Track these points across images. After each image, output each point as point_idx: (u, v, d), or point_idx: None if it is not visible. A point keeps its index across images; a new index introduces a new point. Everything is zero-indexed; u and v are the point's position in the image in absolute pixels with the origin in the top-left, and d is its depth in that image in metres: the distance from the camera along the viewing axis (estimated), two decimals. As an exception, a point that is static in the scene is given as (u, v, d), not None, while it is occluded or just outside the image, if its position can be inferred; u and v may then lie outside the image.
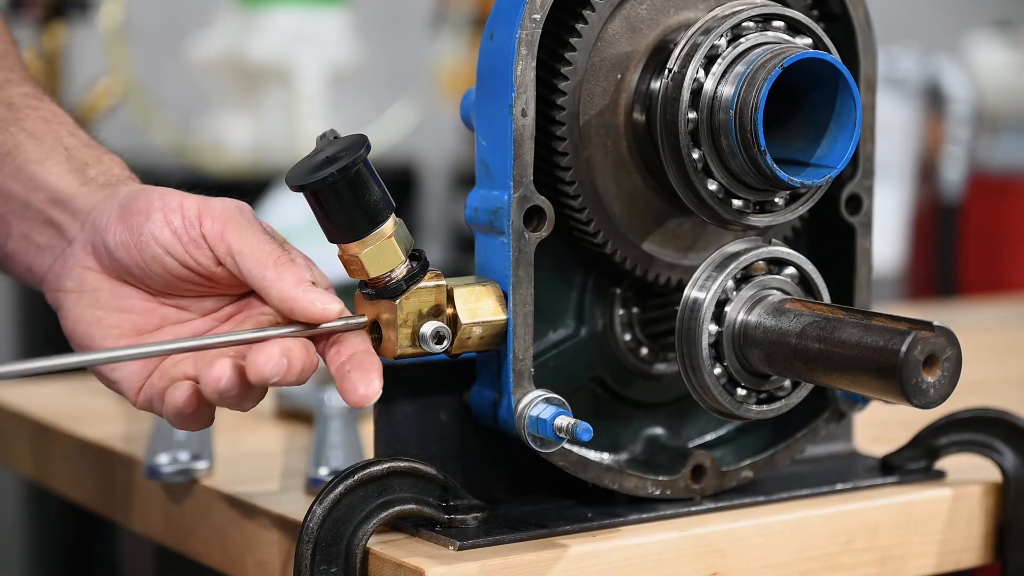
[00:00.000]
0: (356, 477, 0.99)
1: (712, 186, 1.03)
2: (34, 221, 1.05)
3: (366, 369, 0.97)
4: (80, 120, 1.13)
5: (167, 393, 0.99)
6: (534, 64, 1.02)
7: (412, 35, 3.85)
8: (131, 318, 1.02)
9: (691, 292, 1.05)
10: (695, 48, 1.03)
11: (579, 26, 1.04)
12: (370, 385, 0.97)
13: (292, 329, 0.99)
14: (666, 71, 1.04)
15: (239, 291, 1.03)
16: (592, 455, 1.08)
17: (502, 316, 1.03)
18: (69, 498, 1.42)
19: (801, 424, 1.14)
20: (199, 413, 1.00)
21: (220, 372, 0.96)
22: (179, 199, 1.02)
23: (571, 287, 1.10)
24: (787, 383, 1.06)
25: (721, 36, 1.02)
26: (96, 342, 1.01)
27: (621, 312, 1.11)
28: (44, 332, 2.83)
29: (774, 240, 1.09)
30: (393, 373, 1.04)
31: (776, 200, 1.06)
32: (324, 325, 0.99)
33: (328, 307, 0.99)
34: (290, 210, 2.49)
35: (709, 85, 1.02)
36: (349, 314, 1.01)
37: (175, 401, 0.98)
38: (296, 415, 1.43)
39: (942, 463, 1.18)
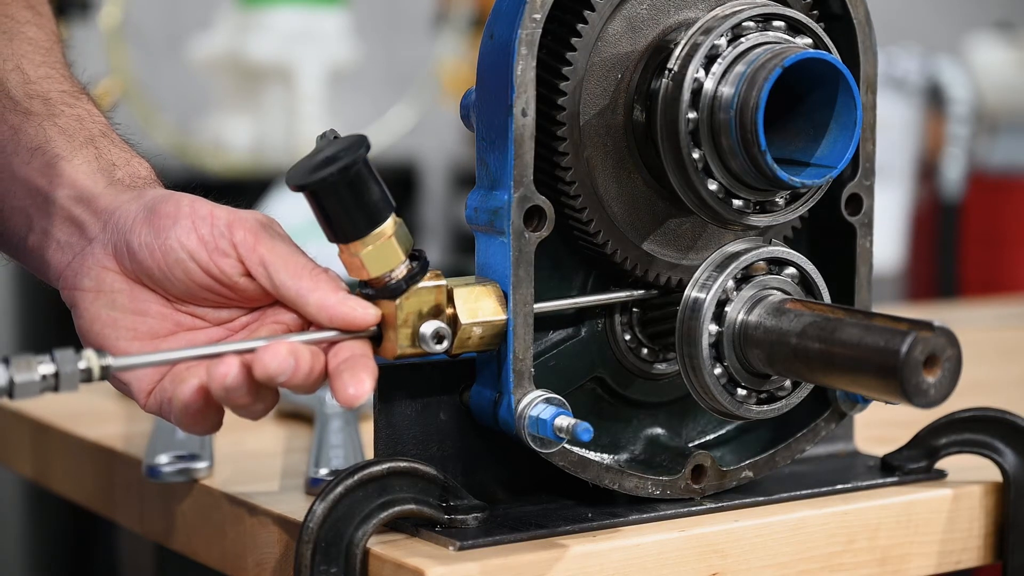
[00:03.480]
0: (356, 477, 0.99)
1: (712, 186, 1.03)
2: (56, 217, 1.05)
3: (358, 370, 0.97)
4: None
5: (175, 389, 0.99)
6: (534, 64, 1.02)
7: (412, 35, 3.85)
8: (146, 321, 1.02)
9: (691, 292, 1.05)
10: (695, 48, 1.03)
11: (579, 26, 1.04)
12: (360, 385, 0.97)
13: (305, 336, 0.99)
14: (666, 71, 1.04)
15: (256, 304, 1.04)
16: (592, 455, 1.08)
17: (502, 316, 1.03)
18: (69, 498, 1.42)
19: (801, 424, 1.14)
20: (206, 413, 1.00)
21: (227, 368, 0.96)
22: (209, 207, 1.02)
23: (571, 287, 1.10)
24: (787, 383, 1.06)
25: (721, 36, 1.03)
26: (110, 343, 1.01)
27: (621, 312, 1.11)
28: (43, 333, 2.83)
29: (774, 240, 1.09)
30: (393, 373, 1.04)
31: (776, 200, 1.06)
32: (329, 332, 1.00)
33: (368, 312, 1.00)
34: (290, 210, 2.49)
35: (709, 85, 1.02)
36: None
37: (182, 395, 0.98)
38: (296, 415, 1.43)
39: (942, 463, 1.18)
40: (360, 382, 0.97)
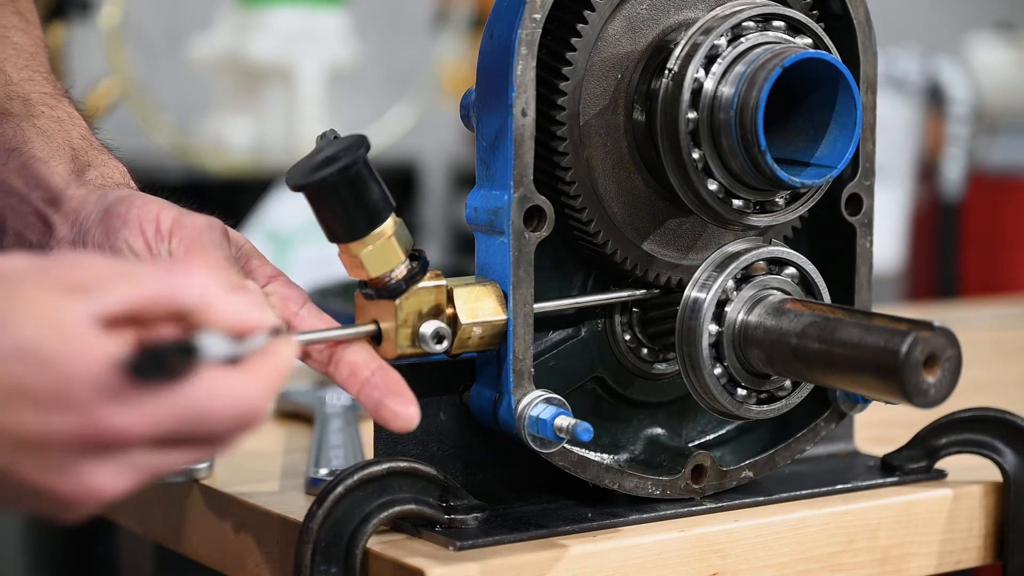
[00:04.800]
0: (356, 477, 0.99)
1: (712, 186, 1.03)
2: (29, 217, 1.05)
3: (398, 391, 0.97)
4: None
5: None
6: (534, 64, 1.02)
7: (412, 35, 3.85)
8: None
9: (691, 292, 1.05)
10: (695, 48, 1.03)
11: (579, 26, 1.04)
12: (408, 405, 0.96)
13: (308, 335, 0.99)
14: (666, 71, 1.04)
15: None
16: (592, 455, 1.08)
17: (502, 316, 1.03)
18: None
19: (801, 424, 1.14)
20: None
21: None
22: (158, 208, 1.01)
23: (571, 287, 1.10)
24: (787, 383, 1.06)
25: (721, 36, 1.03)
26: None
27: (621, 312, 1.11)
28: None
29: (774, 240, 1.09)
30: (393, 373, 1.04)
31: (776, 200, 1.06)
32: (331, 333, 0.99)
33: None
34: (290, 210, 2.49)
35: (709, 85, 1.02)
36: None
37: None
38: (296, 415, 1.43)
39: (942, 463, 1.18)
40: (407, 402, 0.96)
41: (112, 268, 0.78)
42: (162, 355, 0.74)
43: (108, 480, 0.77)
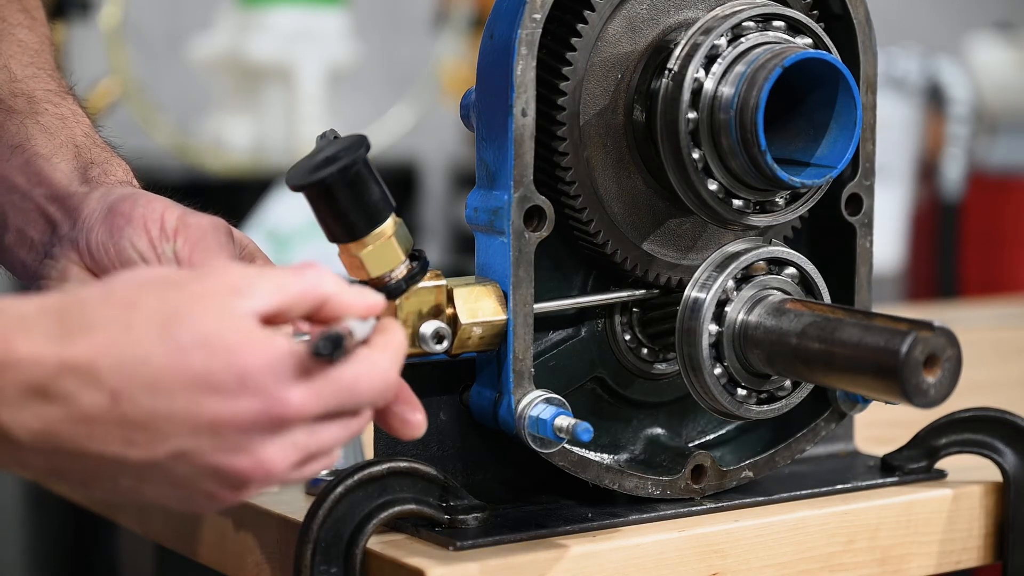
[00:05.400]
0: (356, 477, 0.99)
1: (712, 186, 1.03)
2: (31, 214, 1.05)
3: (404, 398, 0.96)
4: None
5: None
6: (534, 64, 1.02)
7: (412, 35, 3.85)
8: None
9: (692, 292, 1.05)
10: (695, 48, 1.03)
11: (579, 26, 1.04)
12: (417, 412, 0.96)
13: None
14: (666, 71, 1.04)
15: None
16: (592, 455, 1.08)
17: (502, 316, 1.03)
18: (69, 498, 1.42)
19: (801, 424, 1.14)
20: None
21: None
22: (162, 208, 1.01)
23: (571, 287, 1.10)
24: (787, 383, 1.06)
25: (721, 36, 1.03)
26: None
27: (621, 312, 1.11)
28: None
29: (774, 240, 1.09)
30: (393, 373, 1.04)
31: (776, 200, 1.06)
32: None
33: None
34: (290, 210, 2.50)
35: (709, 85, 1.02)
36: None
37: None
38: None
39: (942, 463, 1.18)
40: (414, 409, 0.96)
41: (254, 272, 0.86)
42: (340, 339, 0.84)
43: (278, 455, 0.84)
